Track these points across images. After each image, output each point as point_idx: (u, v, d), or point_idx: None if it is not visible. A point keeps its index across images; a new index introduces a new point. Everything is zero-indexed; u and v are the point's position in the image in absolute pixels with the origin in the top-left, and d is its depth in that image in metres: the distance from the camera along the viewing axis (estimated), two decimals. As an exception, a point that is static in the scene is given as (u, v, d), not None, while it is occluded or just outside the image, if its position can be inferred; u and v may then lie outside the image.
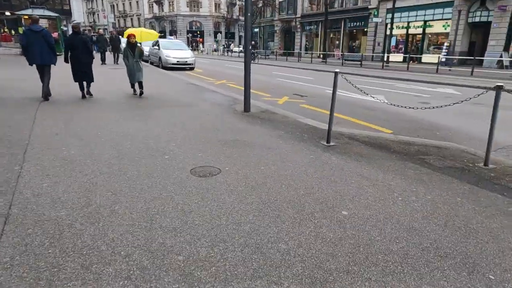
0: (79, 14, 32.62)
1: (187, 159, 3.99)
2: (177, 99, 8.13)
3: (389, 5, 29.95)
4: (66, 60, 7.76)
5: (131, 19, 74.79)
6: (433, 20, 26.99)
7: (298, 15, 41.10)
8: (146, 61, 20.53)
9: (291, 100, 9.14)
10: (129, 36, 8.52)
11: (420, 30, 28.33)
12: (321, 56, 34.52)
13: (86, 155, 4.01)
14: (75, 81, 7.95)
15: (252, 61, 18.74)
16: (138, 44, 8.62)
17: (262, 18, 47.12)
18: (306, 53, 37.48)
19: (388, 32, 27.48)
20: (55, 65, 7.58)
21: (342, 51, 36.20)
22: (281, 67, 22.75)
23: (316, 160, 4.13)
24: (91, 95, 8.16)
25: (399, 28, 30.00)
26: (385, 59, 25.01)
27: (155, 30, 68.28)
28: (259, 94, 9.98)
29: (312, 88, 11.99)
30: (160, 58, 17.36)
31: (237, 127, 5.65)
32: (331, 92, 4.79)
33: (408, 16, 28.81)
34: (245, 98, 6.88)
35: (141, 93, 8.49)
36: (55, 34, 19.86)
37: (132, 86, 8.71)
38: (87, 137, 4.73)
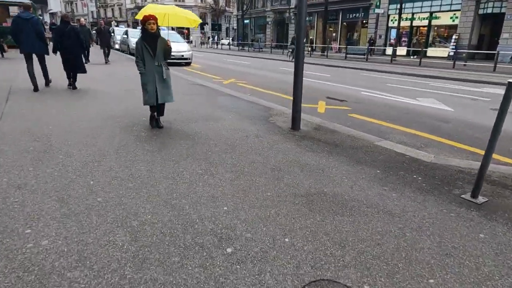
0: (55, 3, 29.62)
1: (270, 256, 2.04)
2: (191, 110, 6.08)
3: (392, -5, 28.39)
4: (54, 51, 7.53)
5: (112, 9, 70.95)
6: (440, 11, 25.49)
7: (292, 6, 39.02)
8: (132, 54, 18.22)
9: (332, 107, 7.24)
10: (146, 20, 4.42)
11: (425, 22, 26.82)
12: (320, 49, 32.75)
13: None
14: (65, 70, 7.79)
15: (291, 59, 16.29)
16: (163, 35, 4.66)
17: (252, 9, 44.72)
18: (307, 46, 35.53)
19: (393, 24, 25.87)
20: (48, 54, 7.49)
21: (339, 44, 34.55)
22: (287, 62, 20.73)
23: (502, 251, 2.25)
24: (76, 88, 7.81)
25: (402, 20, 28.36)
26: (391, 52, 23.41)
27: (137, 21, 65.01)
28: (288, 98, 8.04)
29: (341, 88, 10.11)
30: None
31: (303, 162, 3.71)
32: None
33: (413, 7, 27.25)
34: (294, 113, 4.96)
35: (160, 125, 4.88)
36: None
37: (153, 110, 4.82)
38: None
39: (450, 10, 24.72)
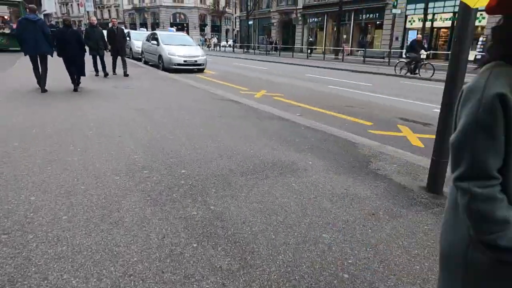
0: (50, 4, 27.63)
1: None
2: (243, 150, 4.08)
3: (411, -6, 26.65)
4: (59, 54, 7.68)
5: (109, 10, 68.82)
6: (465, 11, 23.69)
7: (299, 6, 37.17)
8: (139, 60, 16.20)
9: (425, 137, 5.29)
10: None
11: (448, 23, 25.03)
12: (330, 52, 30.88)
13: None
14: (69, 73, 7.82)
15: (409, 73, 13.90)
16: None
17: (256, 9, 42.80)
18: (315, 48, 33.61)
19: (411, 25, 24.07)
20: (52, 56, 7.58)
21: (351, 46, 32.73)
22: (310, 67, 18.75)
23: None
24: (78, 88, 7.89)
25: (422, 21, 26.60)
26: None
27: (135, 22, 63.08)
28: (356, 121, 6.11)
29: (402, 104, 8.20)
30: (160, 56, 13.05)
31: None
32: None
33: (434, 7, 25.44)
34: (435, 165, 3.02)
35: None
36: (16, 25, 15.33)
37: None
38: None
39: (477, 10, 22.91)
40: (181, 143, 4.19)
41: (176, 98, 7.43)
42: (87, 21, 36.10)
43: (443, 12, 24.93)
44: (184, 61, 12.55)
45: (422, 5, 26.31)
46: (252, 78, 12.84)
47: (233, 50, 40.00)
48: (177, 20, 61.91)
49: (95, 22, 10.49)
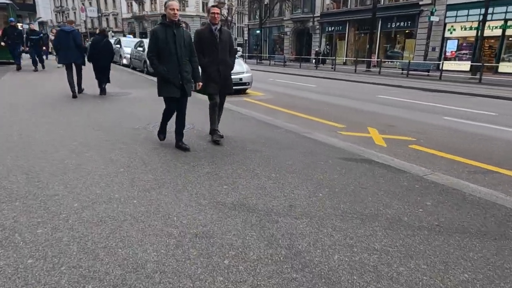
0: (45, 11, 24.56)
1: None
2: None
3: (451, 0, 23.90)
4: (89, 60, 8.27)
5: (107, 19, 65.70)
6: (518, 18, 20.98)
7: (317, 14, 34.35)
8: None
9: None
10: None
11: (497, 32, 22.22)
12: (351, 63, 27.91)
13: None
14: (97, 79, 8.45)
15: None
16: None
17: (269, 18, 39.92)
18: (327, 59, 30.57)
19: (451, 34, 21.16)
20: (84, 65, 8.18)
21: (377, 57, 29.82)
22: (359, 83, 15.67)
23: None
24: (105, 94, 8.42)
25: (464, 29, 23.87)
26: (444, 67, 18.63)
27: (134, 31, 60.02)
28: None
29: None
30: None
31: None
32: None
33: (480, 14, 22.62)
34: None
35: None
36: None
37: None
38: None
39: None
40: None
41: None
42: (83, 30, 32.92)
43: (491, 20, 22.06)
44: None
45: (465, 12, 23.64)
46: (318, 102, 9.69)
47: (245, 61, 36.98)
48: (179, 28, 59.08)
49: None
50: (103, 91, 8.45)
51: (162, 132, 4.55)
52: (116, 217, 2.57)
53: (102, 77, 8.36)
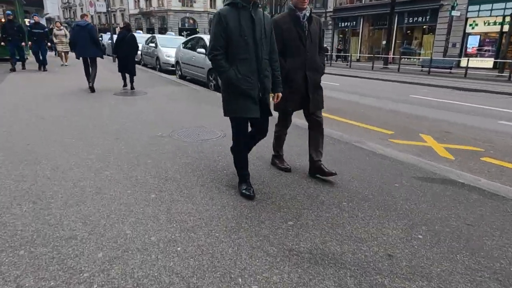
0: (53, 8, 23.97)
1: None
2: None
3: (474, -7, 22.79)
4: (114, 53, 9.28)
5: (114, 15, 65.06)
6: (548, 12, 19.86)
7: (330, 9, 33.36)
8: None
9: None
10: None
11: (522, 27, 21.05)
12: (365, 59, 26.92)
13: None
14: (119, 71, 8.70)
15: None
16: None
17: (278, 12, 38.94)
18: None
19: (472, 29, 20.09)
20: (102, 58, 8.31)
21: (393, 53, 28.80)
22: (383, 81, 14.79)
23: None
24: (134, 88, 8.55)
25: (488, 24, 22.78)
26: (467, 64, 17.62)
27: (141, 27, 59.24)
28: None
29: None
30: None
31: None
32: None
33: (505, 8, 21.56)
34: None
35: None
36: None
37: None
38: None
39: None
40: None
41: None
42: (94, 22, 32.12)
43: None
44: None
45: (488, 6, 22.54)
46: (349, 102, 8.88)
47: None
48: (186, 25, 58.44)
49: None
50: (132, 87, 8.62)
51: (247, 189, 2.87)
52: (159, 277, 1.84)
53: (128, 72, 8.50)
